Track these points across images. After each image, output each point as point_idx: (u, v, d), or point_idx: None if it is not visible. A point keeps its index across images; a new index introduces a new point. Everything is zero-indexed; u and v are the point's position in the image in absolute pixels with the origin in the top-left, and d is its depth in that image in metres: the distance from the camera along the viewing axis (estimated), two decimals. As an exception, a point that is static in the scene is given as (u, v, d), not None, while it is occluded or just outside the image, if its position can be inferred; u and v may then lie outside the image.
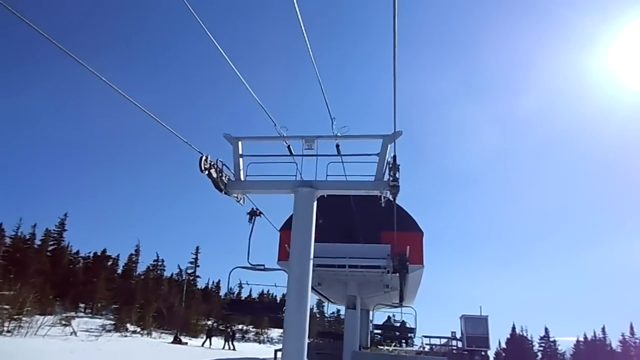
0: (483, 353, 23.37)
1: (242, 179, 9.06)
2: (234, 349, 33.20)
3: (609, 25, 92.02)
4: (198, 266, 58.21)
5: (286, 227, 18.94)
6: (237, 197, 9.27)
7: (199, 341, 35.22)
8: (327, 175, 8.86)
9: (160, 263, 52.34)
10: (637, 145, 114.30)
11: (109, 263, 47.10)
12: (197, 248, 57.93)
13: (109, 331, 29.65)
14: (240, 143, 9.08)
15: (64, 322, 26.00)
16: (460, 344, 24.47)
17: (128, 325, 32.80)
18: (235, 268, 14.38)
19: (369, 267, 16.70)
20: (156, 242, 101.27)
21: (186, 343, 32.00)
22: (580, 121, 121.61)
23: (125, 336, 29.93)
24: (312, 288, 20.65)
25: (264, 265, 13.93)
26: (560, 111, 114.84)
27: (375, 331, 22.32)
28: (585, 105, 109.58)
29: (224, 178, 8.83)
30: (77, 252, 46.72)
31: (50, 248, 41.25)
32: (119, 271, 47.46)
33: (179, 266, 57.36)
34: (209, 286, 66.72)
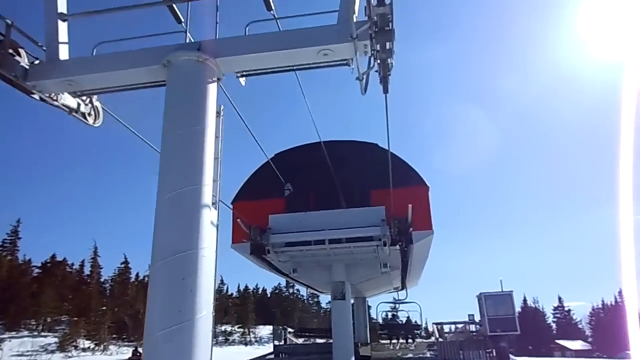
0: (511, 337, 19.34)
1: (64, 57, 4.42)
2: None
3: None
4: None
5: (242, 198, 14.40)
6: (71, 107, 4.70)
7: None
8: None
9: (126, 265, 47.62)
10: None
11: (66, 270, 42.46)
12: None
13: (52, 352, 25.04)
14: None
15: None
16: (480, 329, 20.42)
17: (82, 340, 28.32)
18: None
19: (357, 240, 12.21)
20: (126, 246, 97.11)
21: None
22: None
23: (69, 357, 25.34)
24: (287, 276, 16.19)
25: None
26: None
27: (380, 332, 19.87)
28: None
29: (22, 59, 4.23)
30: (29, 261, 41.91)
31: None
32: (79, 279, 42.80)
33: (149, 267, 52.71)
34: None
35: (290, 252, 12.88)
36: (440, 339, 21.54)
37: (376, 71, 4.59)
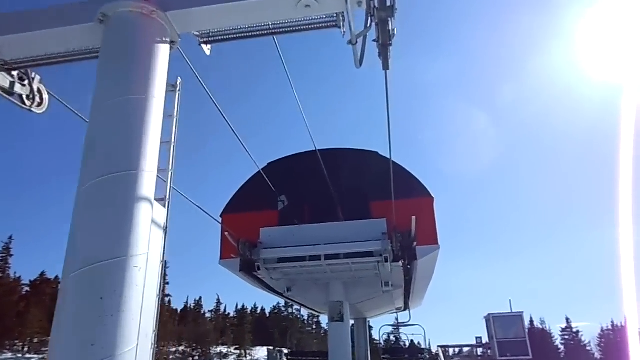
0: (522, 362, 18.11)
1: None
2: None
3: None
4: (167, 283, 52.49)
5: (231, 210, 13.48)
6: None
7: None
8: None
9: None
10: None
11: (56, 289, 41.26)
12: (165, 262, 52.15)
13: (35, 375, 23.79)
14: None
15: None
16: (489, 353, 19.24)
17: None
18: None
19: (356, 256, 11.24)
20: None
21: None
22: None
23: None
24: (281, 295, 15.13)
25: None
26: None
27: (383, 356, 19.06)
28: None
29: None
30: (19, 279, 40.79)
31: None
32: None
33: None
34: (188, 305, 60.99)
35: (284, 269, 11.89)
36: (446, 364, 20.36)
37: (374, 40, 3.71)
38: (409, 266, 11.75)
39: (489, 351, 19.25)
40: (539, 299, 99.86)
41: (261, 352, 49.99)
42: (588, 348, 59.08)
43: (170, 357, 35.78)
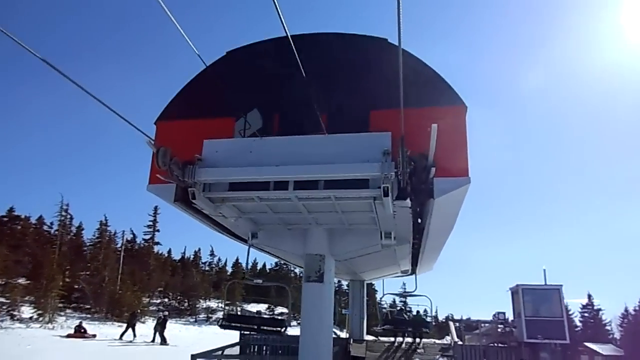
0: (556, 346, 14.70)
1: None
2: (163, 343, 24.24)
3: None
4: (158, 230, 50.10)
5: (169, 115, 9.81)
6: None
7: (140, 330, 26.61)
8: None
9: (105, 227, 43.87)
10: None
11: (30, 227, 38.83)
12: (156, 208, 49.74)
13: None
14: None
15: None
16: (514, 332, 15.82)
17: (26, 309, 24.53)
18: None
19: (342, 186, 7.53)
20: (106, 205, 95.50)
21: (94, 335, 23.58)
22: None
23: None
24: (245, 242, 11.62)
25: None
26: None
27: (383, 327, 16.54)
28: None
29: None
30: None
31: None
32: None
33: (131, 230, 49.30)
34: (186, 256, 58.83)
35: (235, 202, 8.28)
36: (457, 341, 17.06)
37: None
38: (421, 207, 8.10)
39: (514, 330, 15.82)
40: (560, 272, 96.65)
41: (256, 309, 47.99)
42: (608, 327, 56.03)
43: (151, 308, 33.55)
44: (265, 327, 12.04)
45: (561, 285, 15.41)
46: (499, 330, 16.70)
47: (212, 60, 8.79)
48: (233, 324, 12.12)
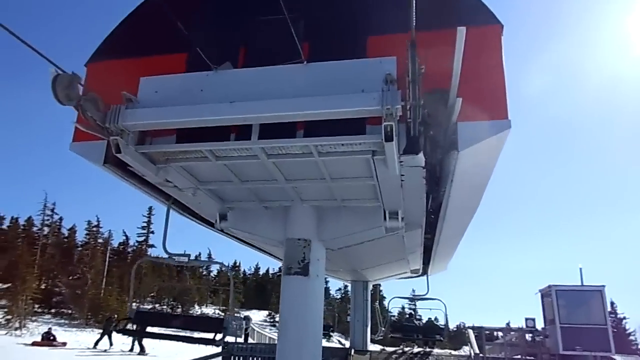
0: (597, 358, 12.36)
1: None
2: (142, 353, 21.79)
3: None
4: (152, 232, 48.39)
5: (104, 55, 7.63)
6: None
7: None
8: None
9: (98, 227, 42.39)
10: None
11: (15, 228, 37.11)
12: (151, 209, 48.14)
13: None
14: None
15: None
16: (547, 342, 13.50)
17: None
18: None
19: (328, 131, 5.35)
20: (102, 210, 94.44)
21: (64, 343, 21.49)
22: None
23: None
24: (212, 226, 9.33)
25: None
26: None
27: (392, 335, 15.77)
28: None
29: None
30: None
31: None
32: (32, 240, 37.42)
33: (124, 232, 47.74)
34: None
35: (185, 161, 6.07)
36: (477, 353, 14.74)
37: None
38: (439, 163, 5.95)
39: (546, 340, 13.50)
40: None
41: (255, 316, 46.01)
42: (632, 338, 53.60)
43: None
44: (183, 335, 8.90)
45: (604, 286, 13.09)
46: (528, 339, 14.38)
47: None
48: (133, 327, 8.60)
